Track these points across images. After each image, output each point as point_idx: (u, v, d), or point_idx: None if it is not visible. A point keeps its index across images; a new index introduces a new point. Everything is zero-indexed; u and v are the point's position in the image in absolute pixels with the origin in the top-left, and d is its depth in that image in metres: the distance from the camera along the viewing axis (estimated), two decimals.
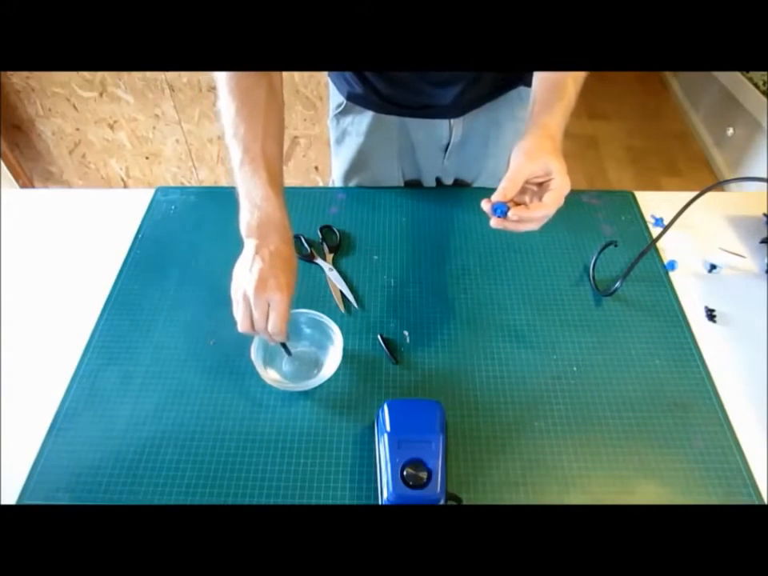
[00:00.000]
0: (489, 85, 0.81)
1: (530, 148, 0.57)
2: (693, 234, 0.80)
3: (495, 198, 0.56)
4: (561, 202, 0.56)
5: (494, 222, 0.57)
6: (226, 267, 0.77)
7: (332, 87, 0.87)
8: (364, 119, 0.85)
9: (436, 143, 0.88)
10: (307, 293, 0.73)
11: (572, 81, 0.63)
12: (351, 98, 0.84)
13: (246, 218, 0.58)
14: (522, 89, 0.84)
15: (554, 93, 0.62)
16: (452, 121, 0.84)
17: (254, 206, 0.58)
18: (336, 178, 0.95)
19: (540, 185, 0.58)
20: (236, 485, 0.56)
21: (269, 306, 0.56)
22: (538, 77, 0.66)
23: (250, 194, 0.58)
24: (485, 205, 0.57)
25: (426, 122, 0.85)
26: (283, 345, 0.63)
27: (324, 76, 0.91)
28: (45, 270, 0.77)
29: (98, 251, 0.79)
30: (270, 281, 0.55)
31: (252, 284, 0.55)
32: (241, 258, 0.59)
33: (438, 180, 0.94)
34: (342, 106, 0.86)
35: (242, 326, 0.56)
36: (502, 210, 0.56)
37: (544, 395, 0.63)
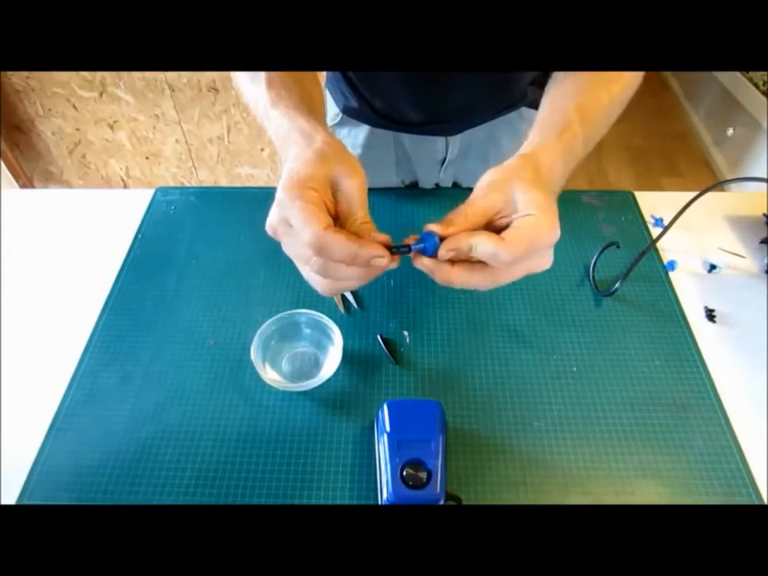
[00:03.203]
0: (485, 101, 0.80)
1: (494, 173, 0.44)
2: (693, 234, 0.80)
3: (432, 227, 0.40)
4: (533, 248, 0.39)
5: (416, 262, 0.41)
6: (226, 267, 0.77)
7: (329, 98, 0.87)
8: (360, 132, 0.85)
9: (432, 158, 0.88)
10: (307, 293, 0.73)
11: (593, 106, 0.49)
12: (347, 111, 0.84)
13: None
14: (523, 109, 0.84)
15: (559, 121, 0.48)
16: (449, 138, 0.84)
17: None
18: None
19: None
20: (236, 485, 0.56)
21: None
22: (547, 97, 0.53)
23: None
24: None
25: (422, 137, 0.85)
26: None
27: (323, 77, 0.91)
28: (45, 270, 0.77)
29: (98, 251, 0.79)
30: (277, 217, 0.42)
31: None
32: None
33: (437, 185, 0.94)
34: (339, 118, 0.86)
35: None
36: (428, 246, 0.39)
37: (544, 395, 0.63)
